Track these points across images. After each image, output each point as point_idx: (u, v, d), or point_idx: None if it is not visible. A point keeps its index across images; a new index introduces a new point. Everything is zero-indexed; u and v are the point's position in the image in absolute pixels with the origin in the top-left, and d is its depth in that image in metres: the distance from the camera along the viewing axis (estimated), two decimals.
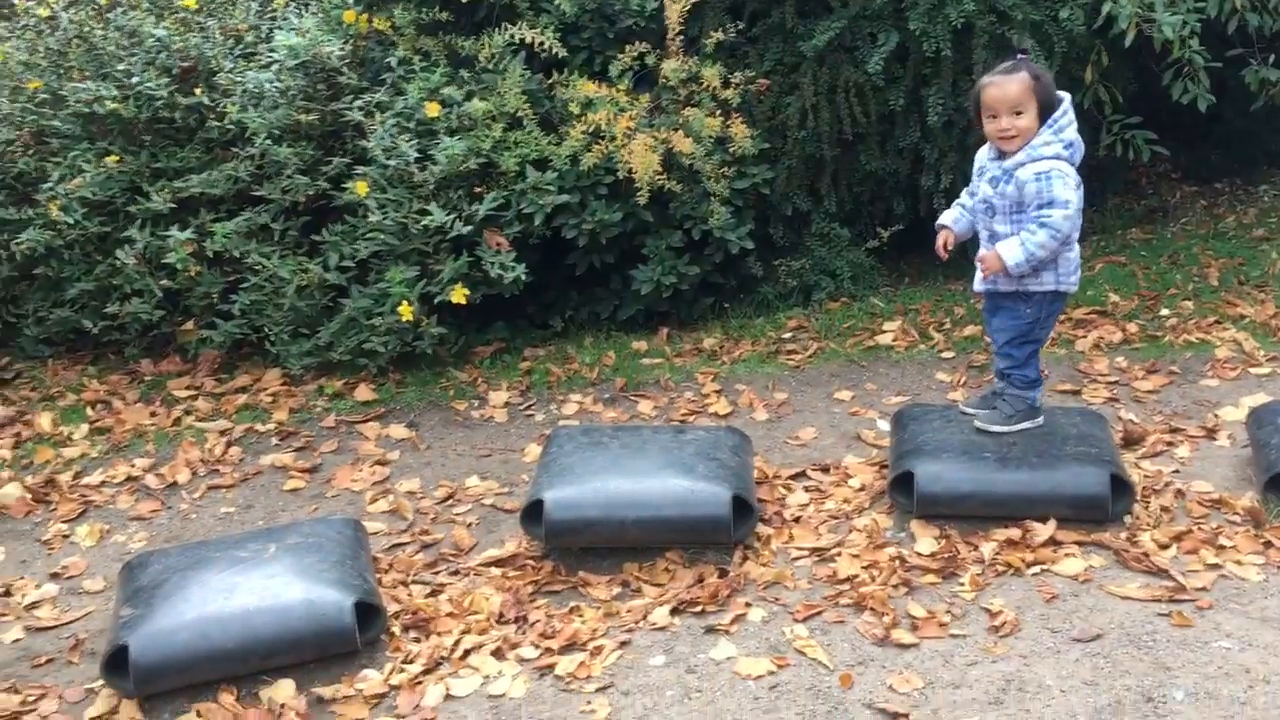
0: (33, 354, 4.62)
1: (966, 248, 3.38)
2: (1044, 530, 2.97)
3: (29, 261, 4.41)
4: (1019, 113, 2.94)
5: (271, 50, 4.39)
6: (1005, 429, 3.17)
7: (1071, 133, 2.98)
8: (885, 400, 3.90)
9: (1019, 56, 2.99)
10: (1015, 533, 2.99)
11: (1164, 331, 4.25)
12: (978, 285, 3.15)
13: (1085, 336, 4.24)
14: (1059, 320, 4.38)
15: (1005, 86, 2.95)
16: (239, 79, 4.33)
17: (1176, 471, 3.29)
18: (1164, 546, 2.92)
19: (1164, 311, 4.41)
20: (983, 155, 3.11)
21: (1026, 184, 2.94)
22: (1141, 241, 5.18)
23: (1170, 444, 3.45)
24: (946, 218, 3.24)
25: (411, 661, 2.68)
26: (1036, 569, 2.87)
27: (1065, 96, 2.99)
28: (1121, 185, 5.77)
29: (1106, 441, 3.17)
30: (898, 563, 2.91)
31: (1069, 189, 2.94)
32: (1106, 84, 4.74)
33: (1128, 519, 3.03)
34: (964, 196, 3.22)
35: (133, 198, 4.35)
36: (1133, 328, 4.28)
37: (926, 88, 4.57)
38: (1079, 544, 2.95)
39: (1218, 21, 4.48)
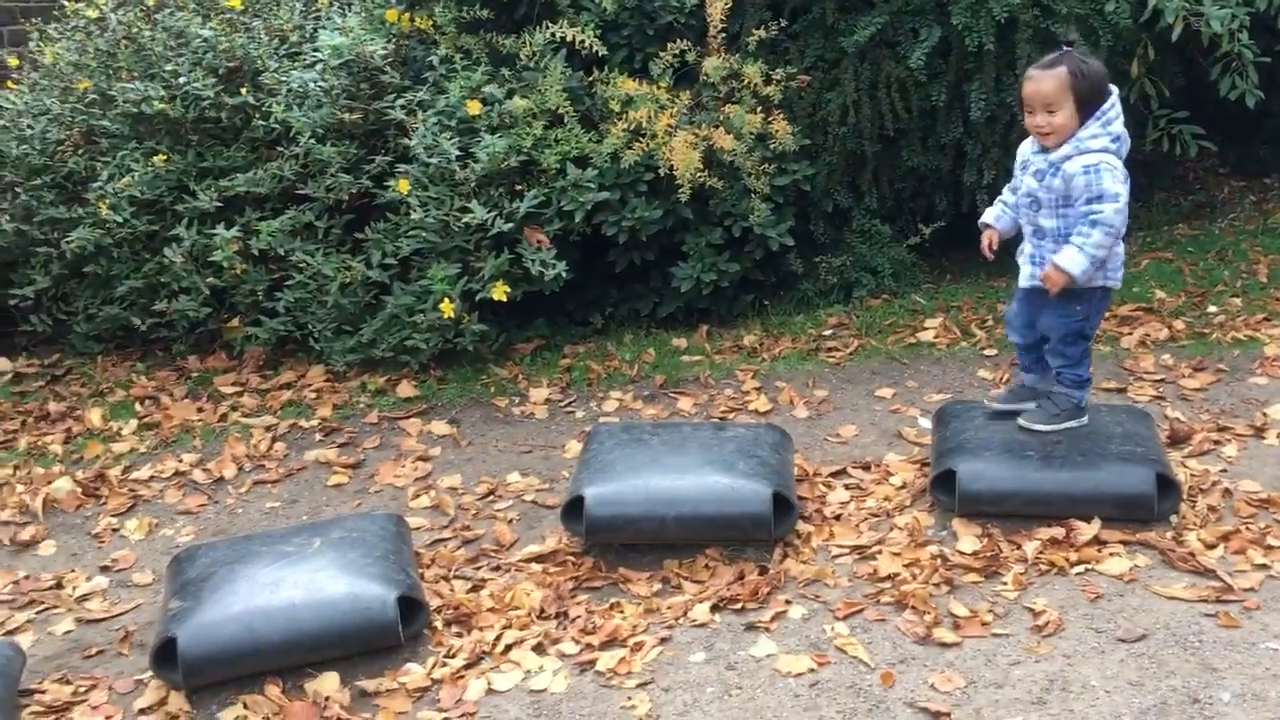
0: (83, 350, 4.69)
1: (1009, 245, 3.35)
2: (1088, 529, 2.95)
3: (79, 260, 4.49)
4: (1052, 110, 2.89)
5: (316, 50, 4.44)
6: (1050, 428, 3.13)
7: (1119, 126, 2.93)
8: (927, 398, 3.88)
9: (1063, 49, 2.94)
10: (1059, 532, 2.96)
11: (1211, 329, 4.19)
12: (1024, 283, 3.11)
13: (1131, 334, 4.19)
14: (1105, 318, 4.34)
15: (1041, 82, 2.90)
16: (284, 78, 4.38)
17: (1224, 470, 3.25)
18: (1211, 546, 2.88)
19: (1211, 308, 4.35)
20: (1025, 149, 3.07)
21: (1074, 177, 2.90)
22: (1189, 237, 5.11)
23: (1218, 443, 3.40)
24: (989, 216, 3.20)
25: (453, 656, 2.70)
26: (1080, 568, 2.84)
27: (1113, 90, 2.95)
28: (1169, 180, 5.69)
29: (1152, 440, 3.14)
30: (939, 561, 2.90)
31: (1118, 182, 2.89)
32: (1153, 78, 4.68)
33: (1174, 518, 3.00)
34: (1005, 193, 3.18)
35: (180, 196, 4.42)
36: (1180, 325, 4.23)
37: (969, 83, 4.54)
38: (1124, 543, 2.92)
39: (1267, 15, 4.41)
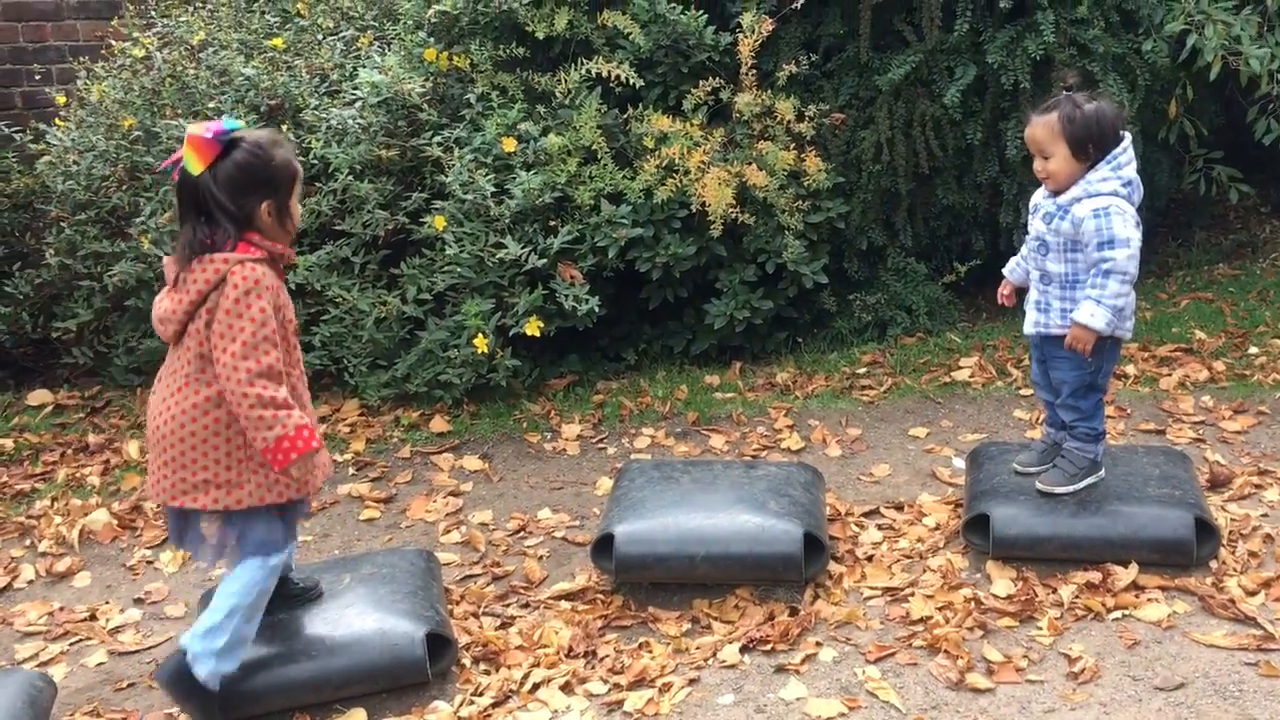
0: (122, 383, 4.75)
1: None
2: (1126, 574, 2.90)
3: (121, 293, 4.55)
4: (1046, 156, 2.85)
5: (355, 88, 4.50)
6: (1068, 489, 3.03)
7: (1130, 171, 2.85)
8: (961, 437, 3.84)
9: (1063, 94, 2.88)
10: (1096, 576, 2.92)
11: (1252, 370, 4.13)
12: (1028, 329, 3.04)
13: (1170, 375, 4.14)
14: (1143, 357, 4.30)
15: (1034, 128, 2.87)
16: (323, 116, 4.44)
17: (1265, 515, 3.19)
18: (1251, 593, 2.83)
19: (1252, 350, 4.29)
20: (1039, 195, 3.00)
21: (1084, 221, 2.82)
22: (1229, 277, 5.05)
23: (1259, 487, 3.35)
24: (1007, 267, 3.16)
25: (481, 694, 2.69)
26: (1118, 614, 2.79)
27: (1125, 135, 2.87)
28: (1209, 219, 5.64)
29: (1190, 483, 3.09)
30: (973, 604, 2.86)
31: (1129, 227, 2.81)
32: (1191, 118, 4.65)
33: (1213, 564, 2.95)
34: (1024, 246, 3.13)
35: None
36: (1220, 366, 4.17)
37: (1005, 121, 4.53)
38: (1162, 589, 2.87)
39: None
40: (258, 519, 2.51)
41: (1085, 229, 2.82)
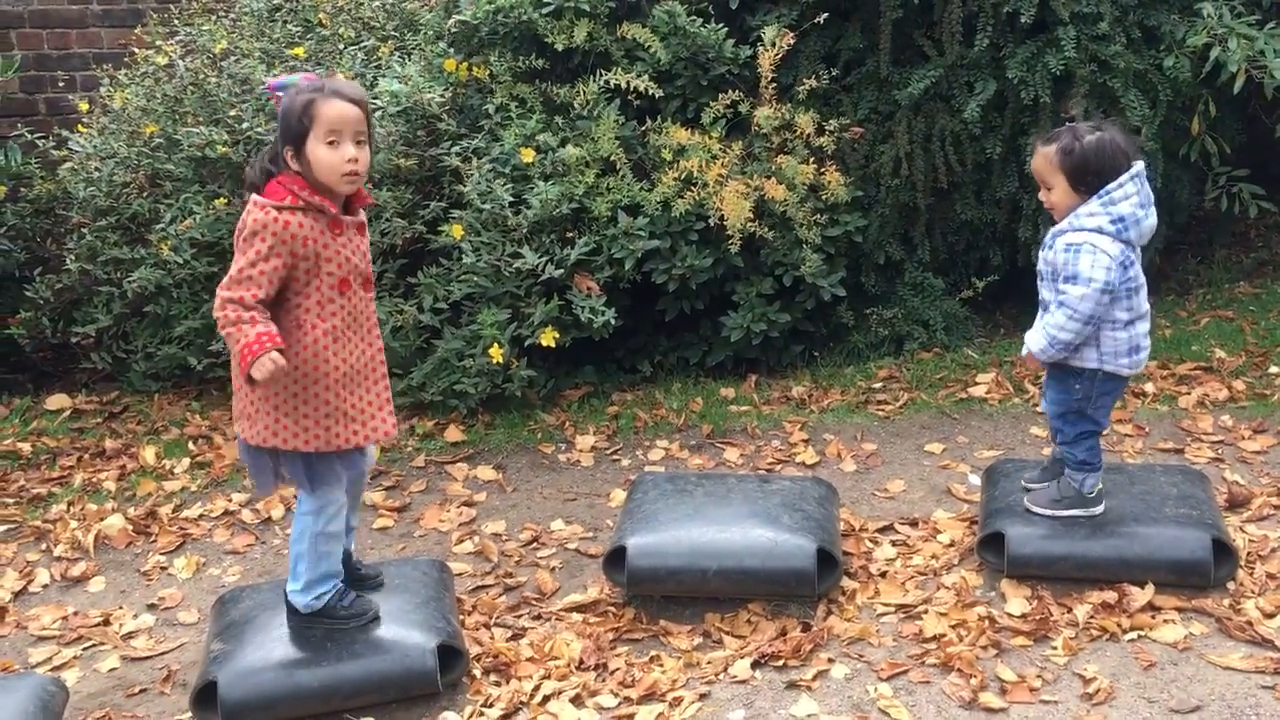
0: (140, 389, 4.78)
1: None
2: (1142, 595, 2.88)
3: (140, 299, 4.58)
4: (1048, 187, 2.84)
5: (375, 97, 4.51)
6: (1048, 513, 3.00)
7: (1127, 207, 2.76)
8: (977, 454, 3.82)
9: (1066, 124, 2.86)
10: (1111, 596, 2.89)
11: (1273, 390, 4.10)
12: (1024, 352, 3.03)
13: (1189, 394, 4.11)
14: (1162, 375, 4.27)
15: (1035, 160, 2.88)
16: None
17: None
18: (1269, 615, 2.80)
19: (1273, 369, 4.26)
20: None
21: (1059, 254, 2.81)
22: (1250, 296, 5.01)
23: (1278, 507, 3.31)
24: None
25: (491, 705, 2.68)
26: (1133, 635, 2.77)
27: (1132, 168, 2.77)
28: (1230, 237, 5.60)
29: (1208, 503, 3.06)
30: (987, 623, 2.84)
31: (1096, 267, 2.74)
32: (1213, 135, 4.62)
33: (1231, 585, 2.92)
34: None
35: None
36: (1240, 385, 4.14)
37: (1024, 136, 4.51)
38: (1179, 610, 2.84)
39: None
40: (293, 459, 2.60)
41: (1057, 261, 2.83)
